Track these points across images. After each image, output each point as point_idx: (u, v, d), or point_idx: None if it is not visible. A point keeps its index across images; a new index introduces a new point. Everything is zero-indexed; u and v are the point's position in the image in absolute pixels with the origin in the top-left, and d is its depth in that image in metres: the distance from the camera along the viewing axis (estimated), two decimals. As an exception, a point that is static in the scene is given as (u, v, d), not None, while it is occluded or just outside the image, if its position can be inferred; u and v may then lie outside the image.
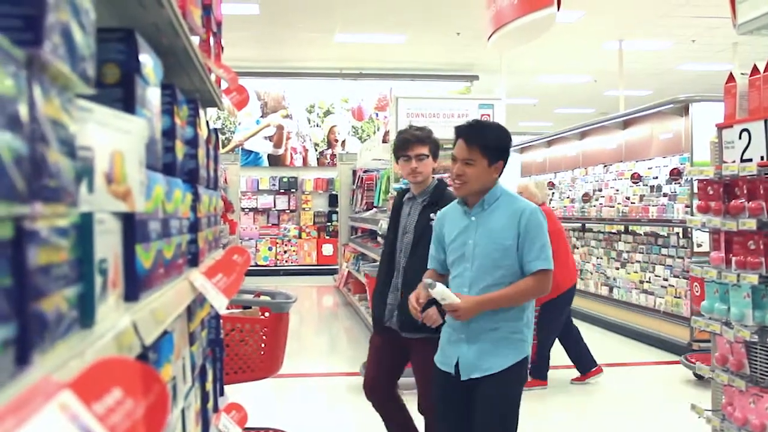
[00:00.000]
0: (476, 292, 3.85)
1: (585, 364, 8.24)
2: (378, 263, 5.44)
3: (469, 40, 14.33)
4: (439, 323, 4.37)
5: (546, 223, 3.93)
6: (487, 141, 3.88)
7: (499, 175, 3.95)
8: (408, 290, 4.47)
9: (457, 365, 3.93)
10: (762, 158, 4.29)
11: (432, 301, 4.11)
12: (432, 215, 4.65)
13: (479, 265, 3.86)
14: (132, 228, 1.28)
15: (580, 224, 13.57)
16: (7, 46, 0.76)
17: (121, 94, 1.38)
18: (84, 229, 1.02)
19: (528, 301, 3.90)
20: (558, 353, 9.10)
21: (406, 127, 5.19)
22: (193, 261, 2.08)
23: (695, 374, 8.00)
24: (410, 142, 4.86)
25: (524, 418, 4.05)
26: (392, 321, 4.84)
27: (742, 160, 4.42)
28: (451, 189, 4.43)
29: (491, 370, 3.85)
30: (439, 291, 3.73)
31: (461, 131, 3.96)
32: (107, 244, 1.12)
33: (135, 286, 1.30)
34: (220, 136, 16.14)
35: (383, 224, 7.93)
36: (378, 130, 17.47)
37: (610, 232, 12.49)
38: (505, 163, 3.95)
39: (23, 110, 0.79)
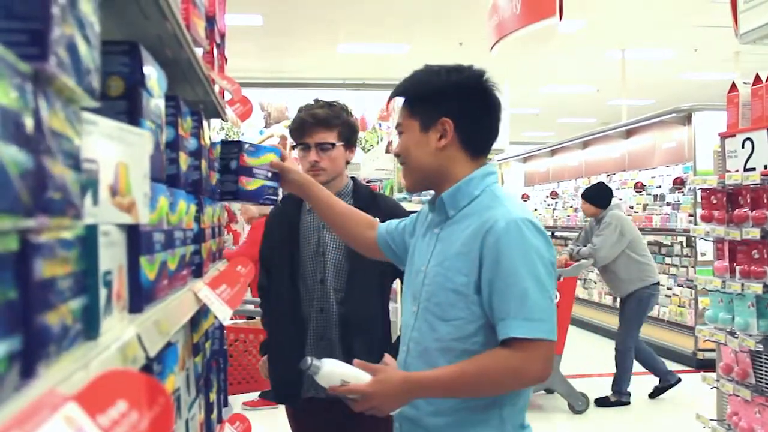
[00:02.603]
0: (414, 359, 2.36)
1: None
2: (263, 307, 3.70)
3: (472, 50, 14.32)
4: None
5: (544, 245, 2.25)
6: (408, 90, 2.48)
7: (472, 150, 2.40)
8: (355, 337, 3.22)
9: None
10: (765, 167, 4.29)
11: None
12: None
13: (423, 313, 2.35)
14: (136, 240, 1.28)
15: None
16: (14, 60, 0.77)
17: (125, 107, 1.38)
18: (89, 241, 1.03)
19: (496, 393, 2.24)
20: (566, 360, 9.09)
21: (309, 103, 3.51)
22: (197, 272, 2.08)
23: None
24: (308, 125, 3.34)
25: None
26: (320, 387, 2.69)
27: (745, 169, 4.43)
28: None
29: None
30: (331, 372, 2.29)
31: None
32: (112, 256, 1.12)
33: (139, 297, 1.30)
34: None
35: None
36: (381, 140, 17.45)
37: (614, 242, 12.52)
38: (462, 123, 2.37)
39: (29, 123, 0.79)
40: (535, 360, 2.15)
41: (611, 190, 8.37)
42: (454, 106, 2.36)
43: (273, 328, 3.50)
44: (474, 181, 2.36)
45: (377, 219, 2.78)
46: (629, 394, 7.85)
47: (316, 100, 3.49)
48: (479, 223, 2.24)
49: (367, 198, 3.39)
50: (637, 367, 9.70)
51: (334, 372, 2.28)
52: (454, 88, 2.39)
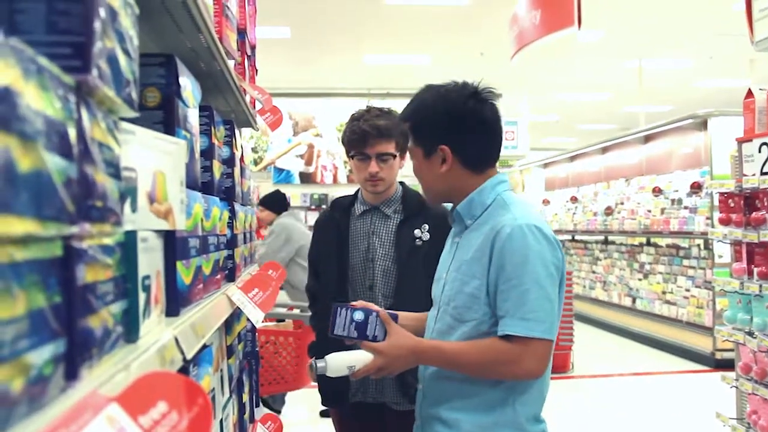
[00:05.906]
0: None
1: None
2: (312, 309, 3.66)
3: (492, 59, 14.37)
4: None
5: (548, 249, 2.32)
6: (410, 116, 2.53)
7: (474, 167, 2.46)
8: None
9: None
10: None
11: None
12: (417, 232, 3.27)
13: (443, 315, 2.48)
14: (173, 245, 1.32)
15: (602, 237, 13.65)
16: (58, 72, 0.79)
17: (162, 117, 1.42)
18: (128, 247, 1.05)
19: (489, 377, 2.36)
20: (587, 360, 9.08)
21: (363, 111, 3.42)
22: (231, 276, 2.12)
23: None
24: (370, 137, 3.27)
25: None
26: (367, 392, 3.32)
27: (762, 173, 4.43)
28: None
29: None
30: (337, 365, 2.44)
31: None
32: (150, 262, 1.14)
33: (176, 301, 1.34)
34: (252, 154, 15.78)
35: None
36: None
37: (633, 245, 12.56)
38: (458, 147, 2.43)
39: (72, 133, 0.81)
40: (527, 356, 2.25)
41: (285, 196, 7.94)
42: (447, 134, 2.43)
43: (322, 331, 3.25)
44: (485, 191, 2.46)
45: None
46: None
47: (370, 108, 3.41)
48: (489, 230, 2.34)
49: (416, 204, 3.37)
50: (656, 366, 9.70)
51: (338, 365, 2.43)
52: (443, 116, 2.44)
